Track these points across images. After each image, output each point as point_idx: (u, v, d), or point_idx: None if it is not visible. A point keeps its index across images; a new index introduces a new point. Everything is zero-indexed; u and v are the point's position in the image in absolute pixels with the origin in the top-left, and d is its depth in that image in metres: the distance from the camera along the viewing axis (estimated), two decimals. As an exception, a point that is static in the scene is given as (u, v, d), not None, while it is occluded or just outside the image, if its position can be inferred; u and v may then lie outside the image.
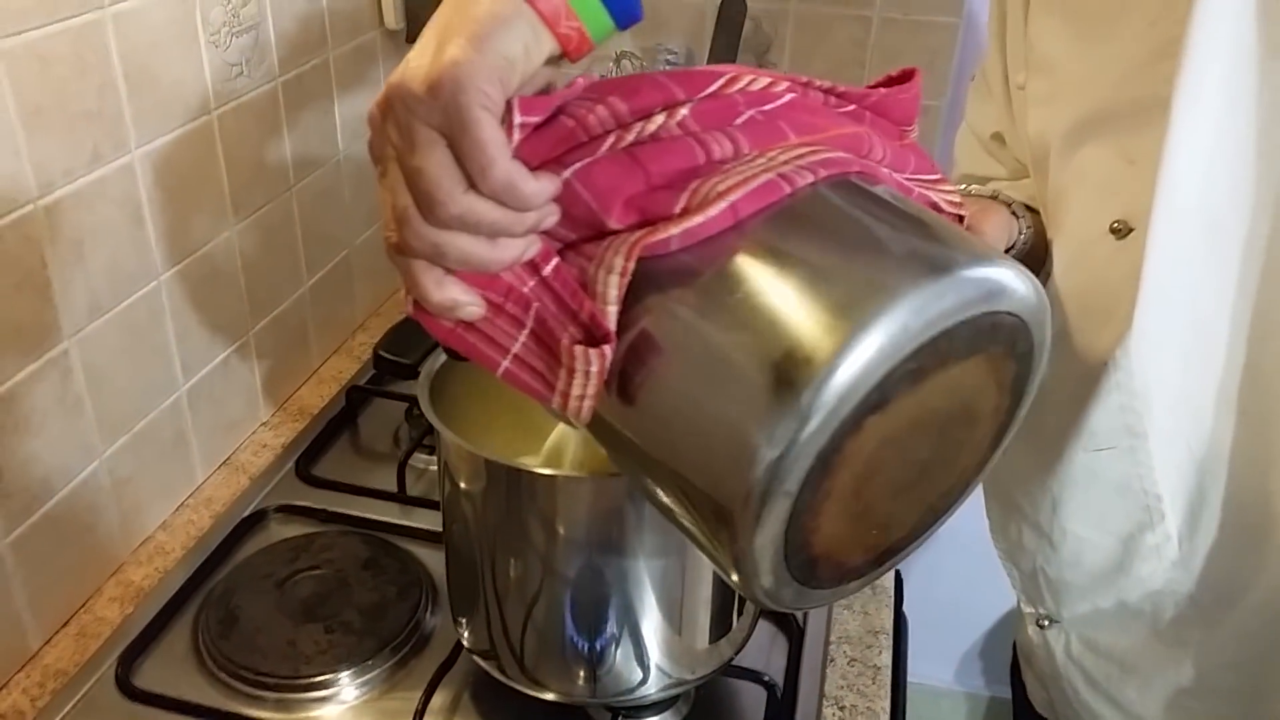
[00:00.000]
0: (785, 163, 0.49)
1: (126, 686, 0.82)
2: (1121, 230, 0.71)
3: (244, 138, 1.01)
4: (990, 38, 0.90)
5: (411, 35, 1.28)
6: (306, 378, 1.21)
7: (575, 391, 0.49)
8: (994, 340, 0.48)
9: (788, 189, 0.48)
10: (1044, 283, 0.77)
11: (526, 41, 0.47)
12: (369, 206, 1.28)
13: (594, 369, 0.48)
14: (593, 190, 0.48)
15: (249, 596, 0.89)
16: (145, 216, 0.90)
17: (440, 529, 0.85)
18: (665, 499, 0.51)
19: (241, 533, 0.98)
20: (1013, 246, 0.82)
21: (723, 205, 0.47)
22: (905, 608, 1.04)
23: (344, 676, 0.83)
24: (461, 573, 0.81)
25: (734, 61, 1.38)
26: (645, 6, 0.52)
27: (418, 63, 0.46)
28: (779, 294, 0.45)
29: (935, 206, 0.57)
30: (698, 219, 0.47)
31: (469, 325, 0.51)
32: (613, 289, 0.47)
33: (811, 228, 0.48)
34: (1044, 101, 0.80)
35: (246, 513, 1.00)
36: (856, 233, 0.49)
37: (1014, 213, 0.82)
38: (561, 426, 0.75)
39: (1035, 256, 0.82)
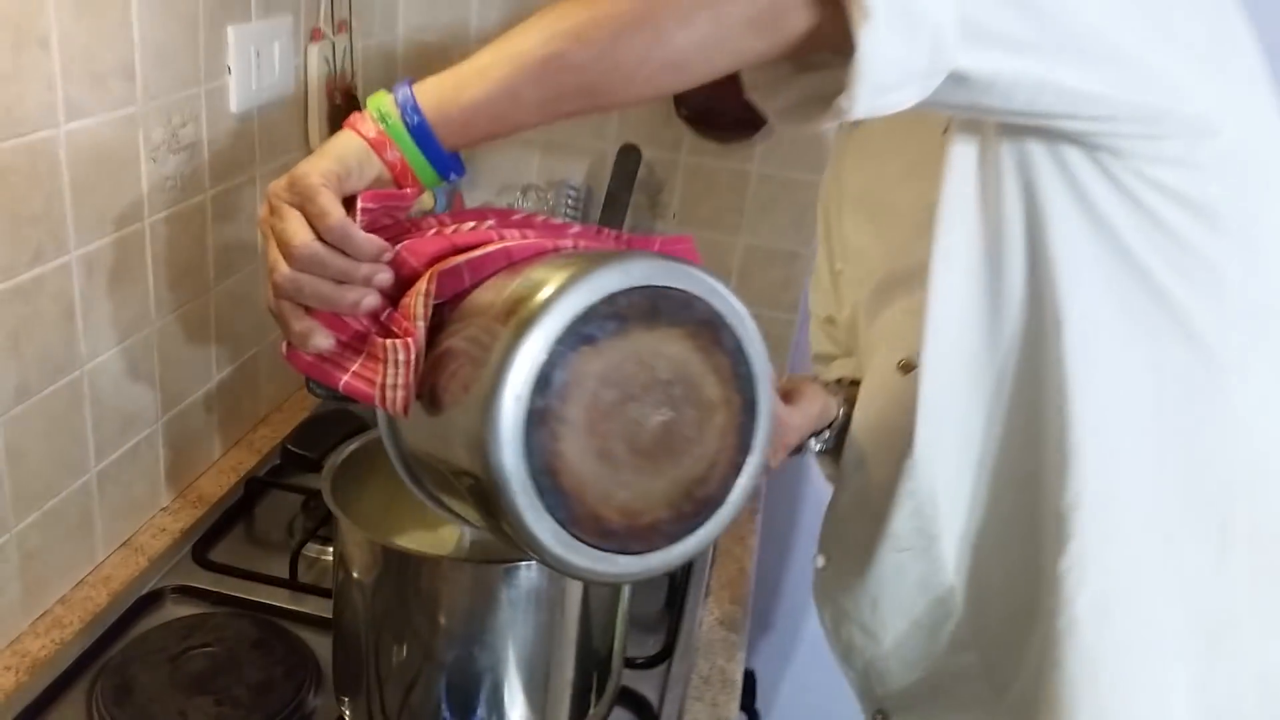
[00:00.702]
0: (557, 240, 0.70)
1: (19, 750, 0.87)
2: (906, 367, 0.88)
3: (172, 243, 1.11)
4: (819, 240, 1.11)
5: (333, 157, 1.40)
6: (207, 467, 1.28)
7: (389, 381, 0.64)
8: (683, 319, 0.64)
9: (551, 245, 0.68)
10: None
11: (360, 159, 0.68)
12: (280, 310, 1.37)
13: (400, 358, 0.63)
14: (413, 253, 0.67)
15: (143, 669, 0.95)
16: (76, 312, 0.98)
17: (328, 615, 0.94)
18: (457, 497, 0.66)
19: (138, 610, 1.04)
20: (833, 422, 1.00)
21: (497, 246, 0.66)
22: (760, 705, 1.14)
23: (229, 746, 0.89)
24: (348, 654, 0.90)
25: (628, 200, 1.53)
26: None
27: (307, 162, 0.67)
28: (522, 285, 0.62)
29: None
30: (478, 253, 0.66)
31: (323, 357, 0.68)
32: (420, 306, 0.64)
33: (548, 261, 0.66)
34: (855, 281, 1.00)
35: (144, 591, 1.06)
36: (573, 257, 0.67)
37: (831, 391, 1.01)
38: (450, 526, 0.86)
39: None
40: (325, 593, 1.05)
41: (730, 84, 1.33)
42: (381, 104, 0.69)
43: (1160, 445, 0.82)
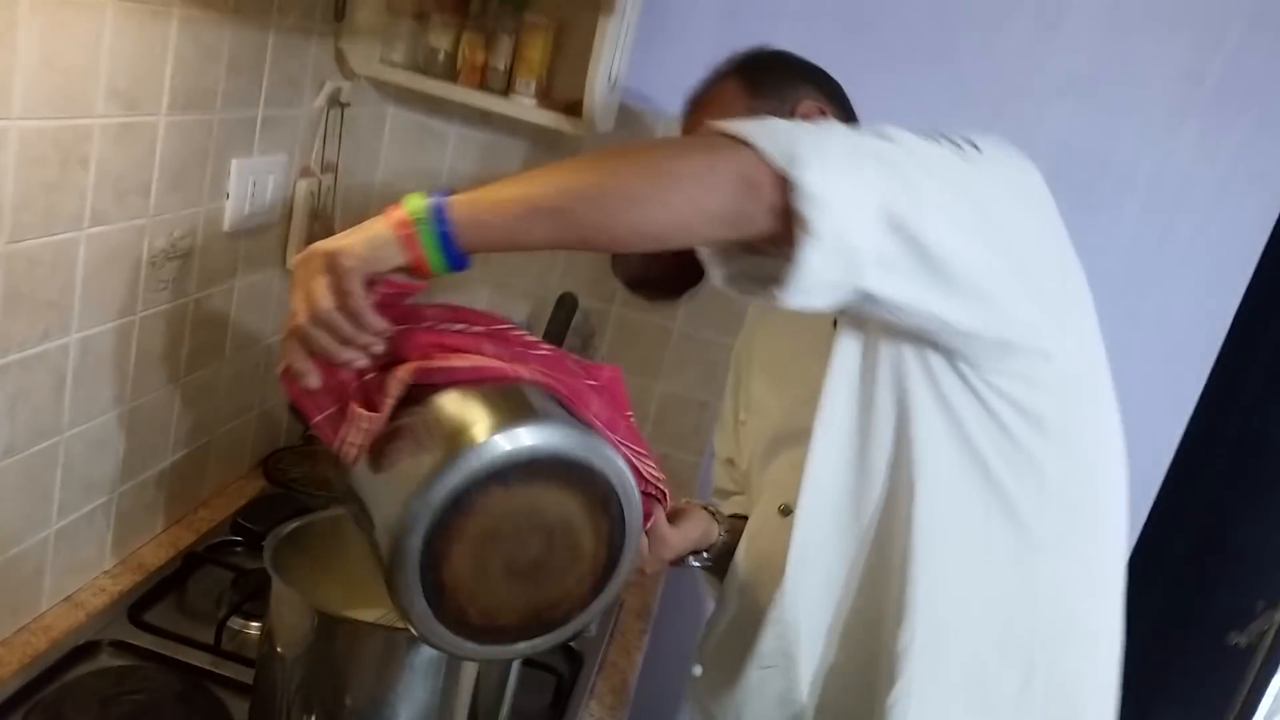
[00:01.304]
0: (522, 369, 0.88)
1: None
2: (785, 510, 1.06)
3: (155, 336, 1.27)
4: (728, 390, 1.32)
5: (304, 276, 1.58)
6: (150, 539, 1.40)
7: (349, 438, 0.83)
8: (585, 485, 0.81)
9: (515, 375, 0.86)
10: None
11: (388, 247, 0.84)
12: (237, 404, 1.52)
13: (364, 426, 0.83)
14: (406, 338, 0.86)
15: (74, 709, 1.07)
16: (66, 386, 1.13)
17: (247, 681, 1.08)
18: (370, 540, 0.83)
19: (74, 659, 1.15)
20: (712, 545, 1.17)
21: (469, 363, 0.85)
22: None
23: (144, 782, 1.01)
24: (264, 707, 1.02)
25: (563, 341, 1.72)
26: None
27: (327, 241, 0.85)
28: (473, 410, 0.80)
29: (633, 467, 0.89)
30: (454, 363, 0.85)
31: (309, 392, 0.85)
32: (394, 387, 0.83)
33: (503, 395, 0.84)
34: (753, 433, 1.18)
35: (80, 642, 1.17)
36: (522, 402, 0.84)
37: (716, 519, 1.19)
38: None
39: (729, 551, 1.18)
40: (246, 661, 1.18)
41: (663, 257, 1.60)
42: (417, 208, 0.84)
43: (983, 606, 1.01)
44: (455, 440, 0.76)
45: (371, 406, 0.84)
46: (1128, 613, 1.08)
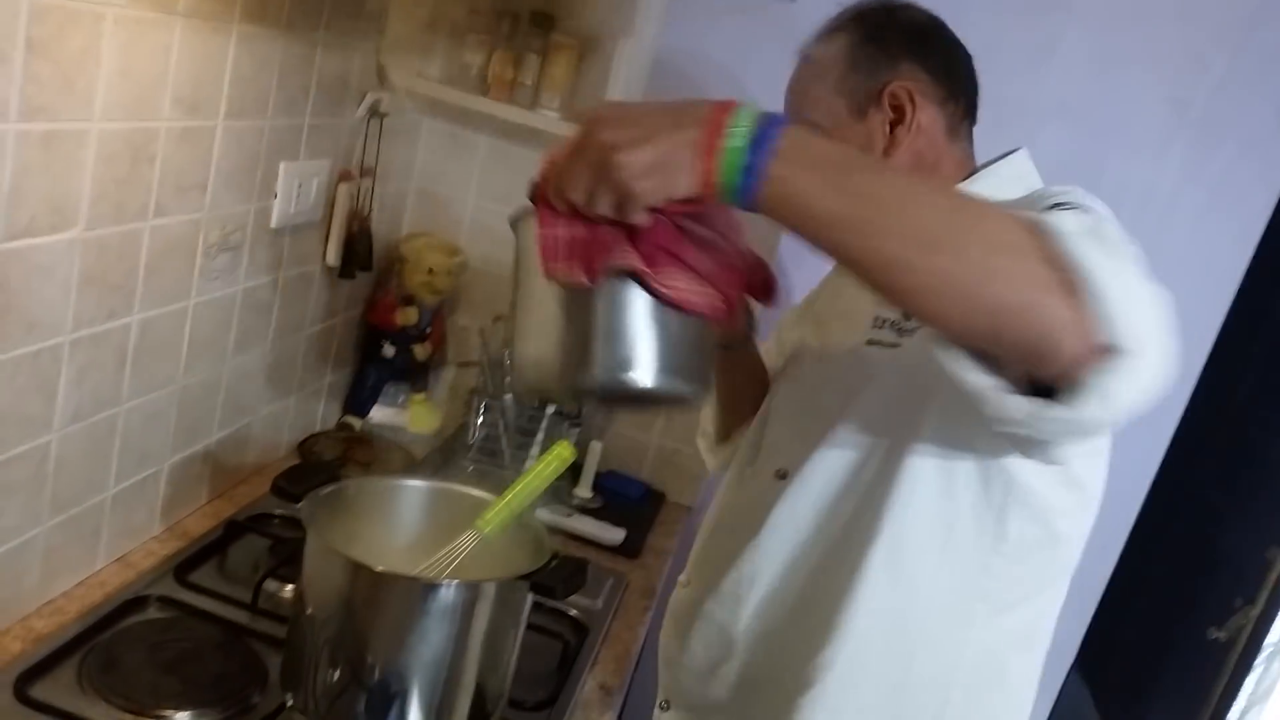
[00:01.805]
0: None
1: (23, 697, 1.09)
2: (781, 474, 1.15)
3: (207, 321, 1.39)
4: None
5: (345, 271, 1.70)
6: (195, 509, 1.52)
7: (616, 258, 0.83)
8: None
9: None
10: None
11: (682, 174, 0.77)
12: (277, 389, 1.65)
13: (630, 260, 0.83)
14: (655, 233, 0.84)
15: (126, 651, 1.18)
16: (128, 362, 1.25)
17: (280, 636, 1.19)
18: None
19: (127, 610, 1.27)
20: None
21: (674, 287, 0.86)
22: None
23: (186, 715, 1.12)
24: (294, 652, 1.14)
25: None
26: None
27: (634, 140, 0.77)
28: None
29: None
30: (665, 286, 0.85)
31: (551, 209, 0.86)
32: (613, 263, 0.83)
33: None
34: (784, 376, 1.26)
35: (131, 596, 1.29)
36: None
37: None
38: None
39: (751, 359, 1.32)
40: (279, 619, 1.29)
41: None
42: (741, 130, 0.75)
43: (914, 643, 1.08)
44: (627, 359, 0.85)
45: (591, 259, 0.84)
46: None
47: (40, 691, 1.11)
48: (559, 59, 1.74)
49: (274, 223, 1.47)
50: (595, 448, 1.92)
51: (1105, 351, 0.73)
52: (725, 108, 0.77)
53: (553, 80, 1.74)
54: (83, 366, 1.17)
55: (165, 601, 1.31)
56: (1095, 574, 1.75)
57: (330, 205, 1.63)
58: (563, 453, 1.16)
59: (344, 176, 1.64)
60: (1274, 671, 1.84)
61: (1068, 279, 0.72)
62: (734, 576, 1.17)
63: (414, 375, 1.95)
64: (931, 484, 1.04)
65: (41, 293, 1.07)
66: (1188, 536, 2.22)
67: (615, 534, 1.80)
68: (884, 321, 1.10)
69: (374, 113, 1.66)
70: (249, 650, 1.25)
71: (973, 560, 1.06)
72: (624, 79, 1.64)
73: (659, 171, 0.76)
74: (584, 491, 1.91)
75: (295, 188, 1.49)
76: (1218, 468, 2.23)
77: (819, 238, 0.75)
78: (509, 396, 1.84)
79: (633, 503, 1.97)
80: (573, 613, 1.52)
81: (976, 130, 1.81)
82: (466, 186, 1.96)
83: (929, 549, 1.06)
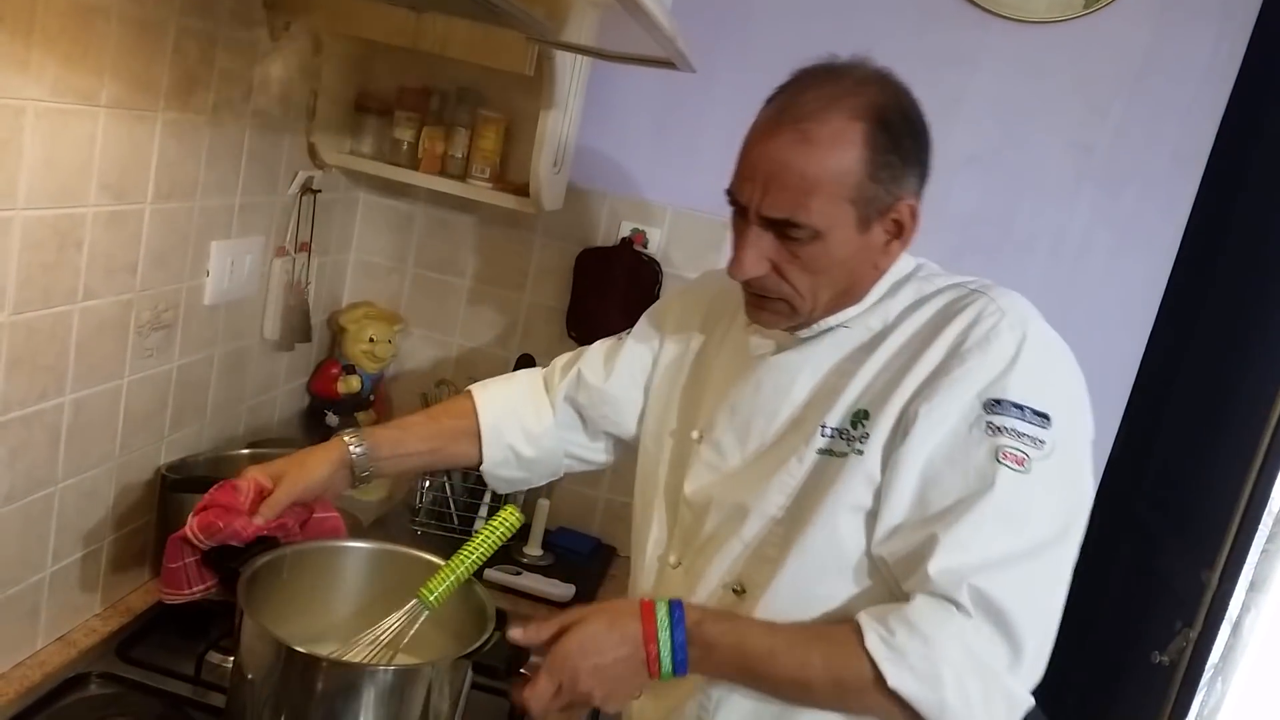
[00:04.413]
0: None
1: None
2: (739, 590, 1.12)
3: (141, 399, 1.42)
4: (657, 334, 1.38)
5: (284, 344, 1.74)
6: (138, 585, 1.53)
7: None
8: None
9: None
10: None
11: (637, 680, 1.04)
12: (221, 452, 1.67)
13: None
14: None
15: (66, 729, 1.20)
16: (60, 442, 1.28)
17: (222, 707, 1.19)
18: None
19: (67, 689, 1.28)
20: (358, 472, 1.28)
21: None
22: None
23: (127, 791, 1.13)
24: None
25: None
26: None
27: (606, 692, 1.04)
28: None
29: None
30: None
31: None
32: None
33: None
34: (702, 459, 1.21)
35: (73, 674, 1.30)
36: None
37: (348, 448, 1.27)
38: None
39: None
40: (222, 690, 1.30)
41: (612, 314, 1.73)
42: (668, 638, 1.02)
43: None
44: None
45: None
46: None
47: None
48: (487, 132, 1.80)
49: (207, 299, 1.51)
50: (543, 505, 1.94)
51: None
52: (644, 621, 1.02)
53: (482, 152, 1.80)
54: (14, 447, 1.20)
55: (107, 678, 1.32)
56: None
57: (266, 281, 1.67)
58: (509, 518, 1.18)
59: (279, 252, 1.68)
60: (1218, 692, 1.88)
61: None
62: (698, 700, 1.14)
63: (360, 443, 1.97)
64: (885, 583, 1.05)
65: (-31, 377, 1.10)
66: (1129, 562, 2.27)
67: (565, 590, 1.82)
68: (833, 431, 1.08)
69: (306, 190, 1.71)
70: (190, 723, 1.26)
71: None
72: (549, 148, 1.70)
73: (623, 694, 1.04)
74: (534, 550, 1.93)
75: (228, 265, 1.53)
76: (1152, 494, 2.29)
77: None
78: (454, 460, 1.87)
79: (583, 558, 1.99)
80: (522, 670, 1.53)
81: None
82: (405, 256, 2.01)
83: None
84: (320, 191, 1.74)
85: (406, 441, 1.33)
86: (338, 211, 1.90)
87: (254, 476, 1.21)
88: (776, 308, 1.10)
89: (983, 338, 1.03)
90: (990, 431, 0.99)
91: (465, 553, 1.16)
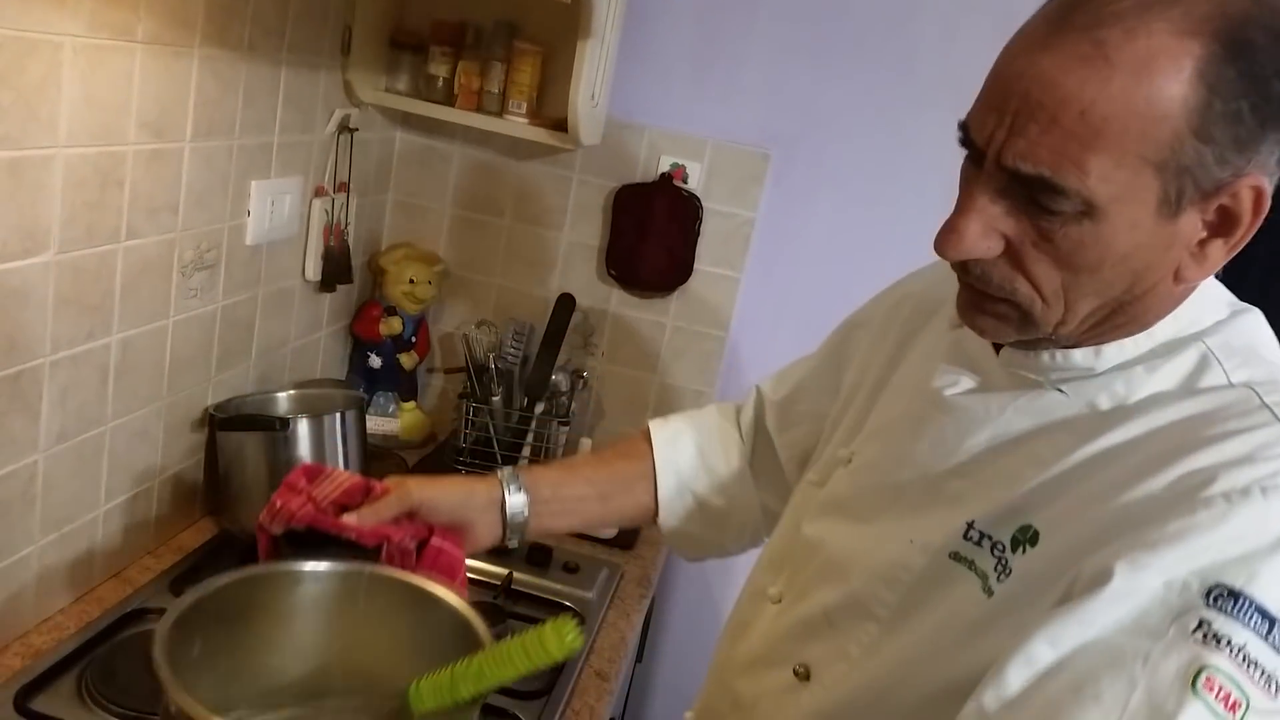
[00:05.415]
0: None
1: (24, 710, 1.12)
2: (802, 674, 0.88)
3: (187, 339, 1.42)
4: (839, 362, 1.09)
5: (326, 285, 1.74)
6: (189, 524, 1.55)
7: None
8: None
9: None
10: None
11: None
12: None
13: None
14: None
15: (125, 661, 1.22)
16: (109, 381, 1.29)
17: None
18: None
19: (124, 624, 1.30)
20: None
21: None
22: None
23: (186, 720, 1.14)
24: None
25: (563, 339, 1.85)
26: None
27: None
28: None
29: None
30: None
31: None
32: None
33: None
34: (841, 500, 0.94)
35: (129, 610, 1.32)
36: None
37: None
38: None
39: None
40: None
41: (651, 251, 1.69)
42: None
43: None
44: None
45: None
46: None
47: (41, 704, 1.14)
48: (523, 65, 1.77)
49: (249, 239, 1.50)
50: (585, 444, 1.94)
51: None
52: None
53: (518, 86, 1.77)
54: (64, 386, 1.21)
55: (161, 614, 1.34)
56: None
57: (306, 221, 1.66)
58: (549, 644, 0.78)
59: (317, 192, 1.67)
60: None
61: None
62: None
63: (402, 384, 1.98)
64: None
65: (18, 316, 1.11)
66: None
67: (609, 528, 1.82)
68: (980, 536, 0.76)
69: (344, 128, 1.70)
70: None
71: None
72: (586, 80, 1.67)
73: None
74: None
75: (269, 205, 1.52)
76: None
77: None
78: (497, 399, 1.87)
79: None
80: (567, 604, 1.54)
81: (935, 114, 1.76)
82: (442, 196, 1.99)
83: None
84: (357, 130, 1.73)
85: (571, 483, 1.12)
86: (376, 150, 1.89)
87: (374, 481, 1.01)
88: (1002, 311, 0.75)
89: (1243, 489, 0.64)
90: (1201, 637, 0.61)
91: (480, 664, 0.80)
